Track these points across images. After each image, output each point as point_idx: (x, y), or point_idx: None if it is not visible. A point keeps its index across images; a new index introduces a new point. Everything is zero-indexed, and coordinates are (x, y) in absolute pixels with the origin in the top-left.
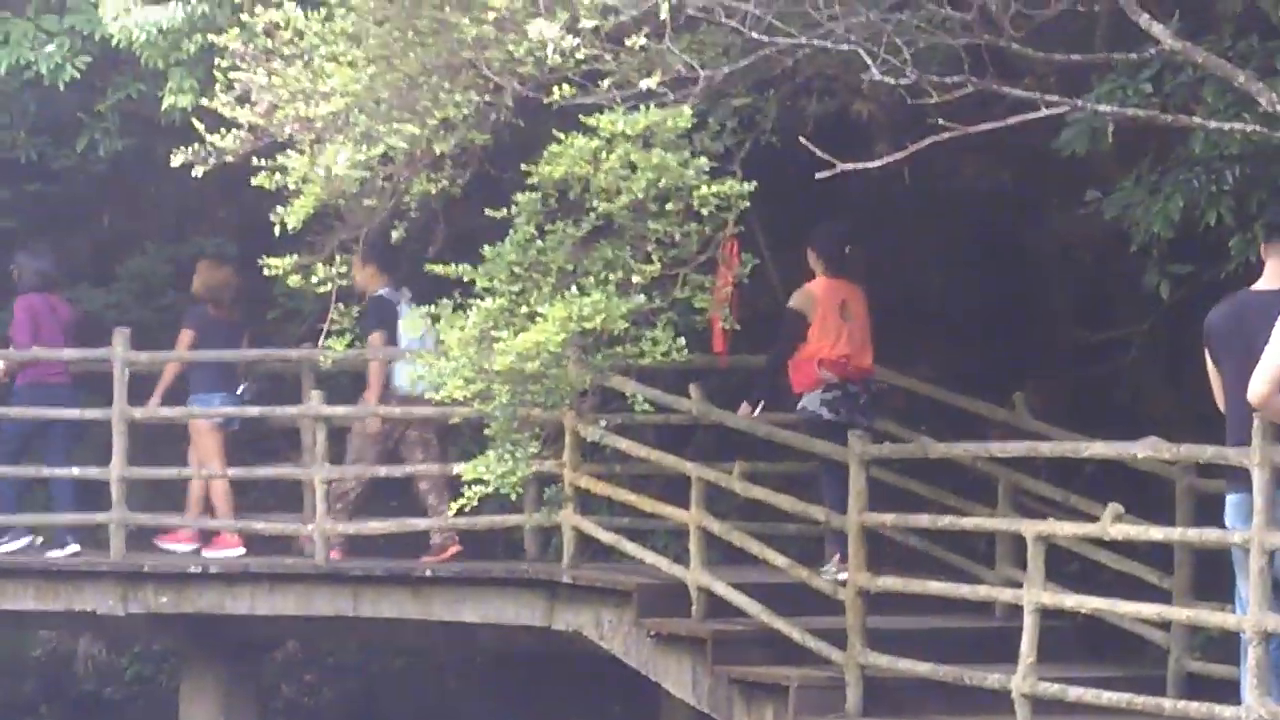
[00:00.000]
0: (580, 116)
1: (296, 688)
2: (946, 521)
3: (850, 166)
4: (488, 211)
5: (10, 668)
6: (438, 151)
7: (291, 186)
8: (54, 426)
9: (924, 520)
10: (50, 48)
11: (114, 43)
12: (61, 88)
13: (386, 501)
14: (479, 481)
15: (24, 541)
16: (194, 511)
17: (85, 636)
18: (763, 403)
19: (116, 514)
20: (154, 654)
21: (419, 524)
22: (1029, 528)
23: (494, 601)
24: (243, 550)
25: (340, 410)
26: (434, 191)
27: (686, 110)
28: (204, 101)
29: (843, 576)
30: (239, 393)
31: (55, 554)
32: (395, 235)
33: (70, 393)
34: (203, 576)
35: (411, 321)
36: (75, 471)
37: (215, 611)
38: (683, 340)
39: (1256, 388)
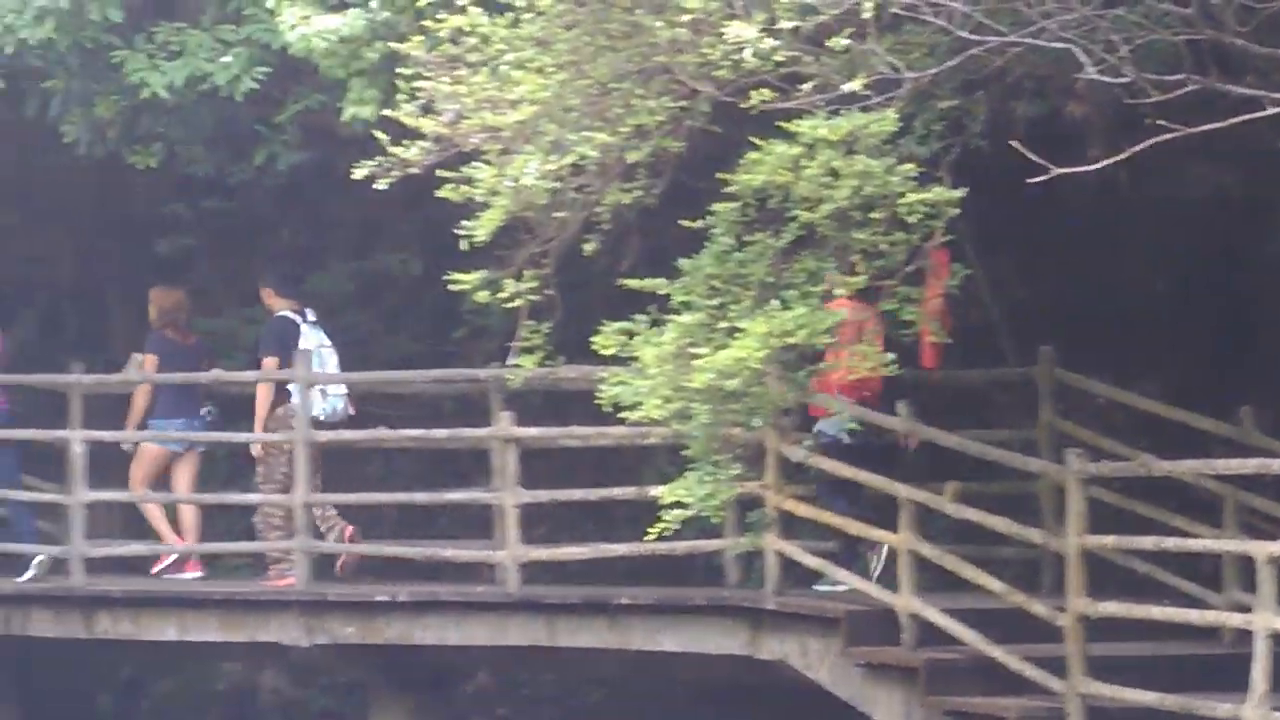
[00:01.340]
0: (779, 122)
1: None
2: (1172, 544)
3: (1064, 171)
4: (683, 223)
5: (193, 701)
6: (630, 160)
7: (479, 199)
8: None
9: (1148, 543)
10: (227, 59)
11: (293, 53)
12: (239, 100)
13: (582, 525)
14: (678, 505)
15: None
16: (192, 536)
17: (269, 669)
18: None
19: (301, 542)
20: (340, 686)
21: (616, 549)
22: (1260, 549)
23: (694, 630)
24: (200, 574)
25: (532, 431)
26: (627, 202)
27: (891, 114)
28: (386, 112)
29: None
30: (202, 414)
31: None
32: (588, 248)
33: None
34: (390, 605)
35: (308, 343)
36: (255, 498)
37: (403, 642)
38: (891, 355)
39: None
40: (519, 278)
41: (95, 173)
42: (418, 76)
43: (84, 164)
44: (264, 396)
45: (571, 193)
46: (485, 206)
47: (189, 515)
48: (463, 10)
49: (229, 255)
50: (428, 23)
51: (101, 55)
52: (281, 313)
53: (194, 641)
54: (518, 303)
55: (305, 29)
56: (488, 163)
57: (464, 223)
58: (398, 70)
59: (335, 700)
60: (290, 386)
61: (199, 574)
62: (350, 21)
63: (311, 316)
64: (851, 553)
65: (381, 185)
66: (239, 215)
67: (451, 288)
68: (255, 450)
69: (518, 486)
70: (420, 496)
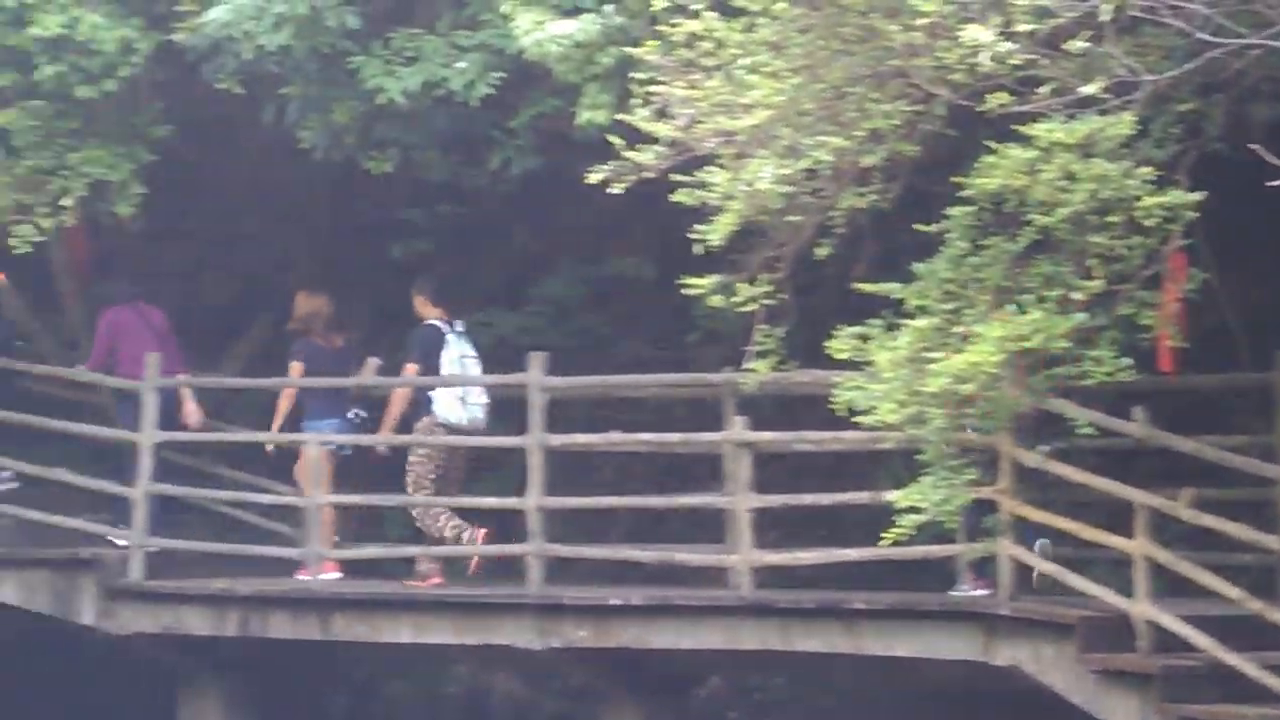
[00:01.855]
0: (1015, 125)
1: None
2: None
3: None
4: (918, 227)
5: (427, 704)
6: (865, 164)
7: (713, 203)
8: None
9: None
10: (462, 64)
11: (527, 58)
12: (473, 105)
13: (815, 531)
14: (913, 510)
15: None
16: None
17: (502, 672)
18: None
19: (534, 545)
20: (572, 689)
21: (849, 554)
22: None
23: (927, 635)
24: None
25: (766, 436)
26: (861, 206)
27: (1128, 117)
28: (620, 116)
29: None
30: (349, 416)
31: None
32: (821, 252)
33: None
34: (624, 609)
35: (451, 353)
36: (492, 501)
37: (636, 646)
38: (1127, 360)
39: None
40: (753, 282)
41: (331, 178)
42: (652, 81)
43: (320, 170)
44: (399, 400)
45: (805, 197)
46: (719, 211)
47: (326, 514)
48: (697, 15)
49: (462, 260)
50: (662, 27)
51: (338, 61)
52: (431, 321)
53: (428, 644)
54: (751, 307)
55: (540, 34)
56: (722, 167)
57: (697, 227)
58: (632, 75)
59: (567, 704)
60: (431, 395)
61: (338, 575)
62: (585, 26)
63: (460, 327)
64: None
65: (616, 189)
66: (472, 220)
67: (685, 292)
68: (382, 450)
69: (751, 491)
70: (653, 500)
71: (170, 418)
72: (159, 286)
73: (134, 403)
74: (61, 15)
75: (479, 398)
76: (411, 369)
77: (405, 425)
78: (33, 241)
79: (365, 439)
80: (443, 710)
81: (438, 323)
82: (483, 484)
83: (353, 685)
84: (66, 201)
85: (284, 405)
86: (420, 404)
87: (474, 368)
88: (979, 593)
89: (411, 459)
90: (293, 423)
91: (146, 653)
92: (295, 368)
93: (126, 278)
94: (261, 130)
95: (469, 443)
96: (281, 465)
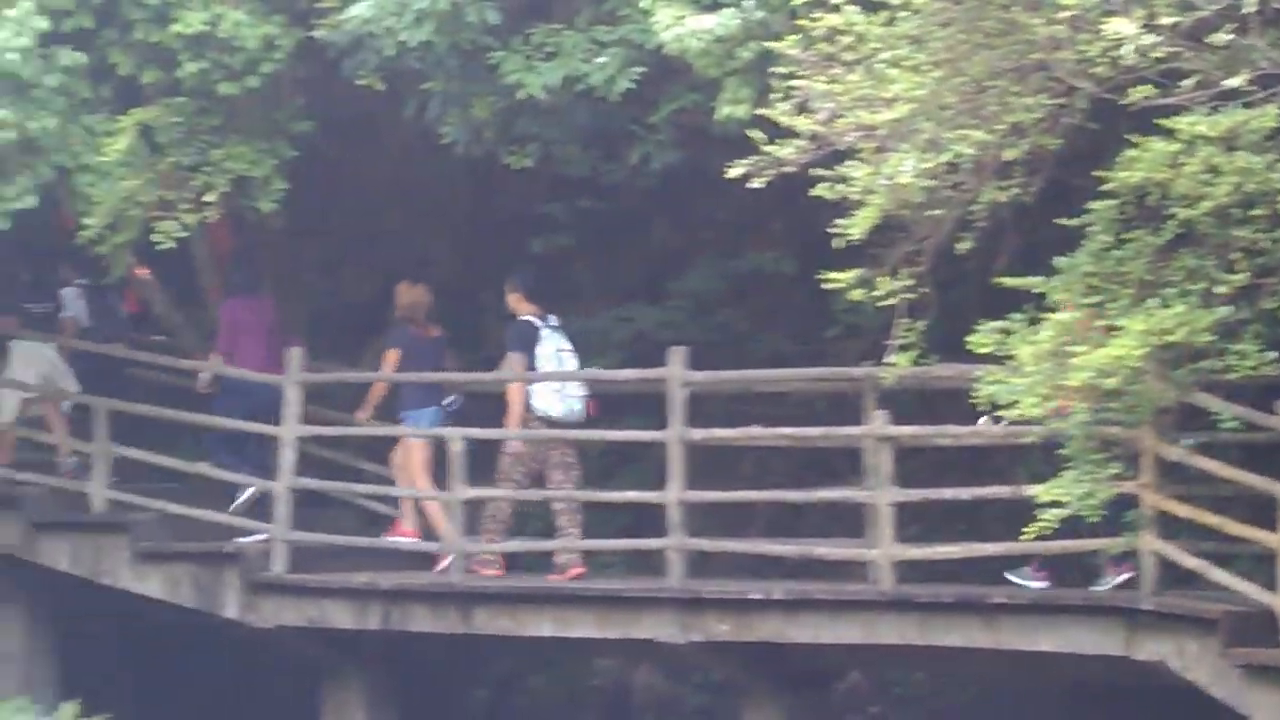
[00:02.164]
0: (1157, 119)
1: (860, 719)
2: None
3: None
4: (1059, 221)
5: (569, 697)
6: (1006, 158)
7: (853, 197)
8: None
9: None
10: (602, 59)
11: (667, 52)
12: (613, 100)
13: (955, 525)
14: (1055, 504)
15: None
16: (408, 517)
17: (644, 665)
18: None
19: (675, 540)
20: (713, 683)
21: (990, 548)
22: None
23: (1069, 630)
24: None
25: (907, 430)
26: (1003, 200)
27: (1272, 110)
28: (760, 111)
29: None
30: (445, 404)
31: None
32: (962, 246)
33: None
34: (764, 603)
35: (546, 348)
36: (633, 495)
37: (777, 640)
38: (1271, 353)
39: None
40: (894, 276)
41: (471, 173)
42: (792, 75)
43: (461, 165)
44: (517, 394)
45: (946, 191)
46: (859, 205)
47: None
48: (837, 9)
49: (602, 254)
50: (802, 21)
51: (479, 57)
52: (525, 316)
53: (569, 638)
54: (892, 301)
55: (680, 29)
56: (863, 161)
57: (837, 221)
58: (772, 69)
59: (709, 697)
60: (529, 389)
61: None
62: (724, 21)
63: (554, 321)
64: None
65: (756, 184)
66: (612, 215)
67: (825, 286)
68: (514, 445)
69: (892, 485)
70: (794, 495)
71: (273, 410)
72: (299, 282)
73: (238, 393)
74: (204, 13)
75: (576, 390)
76: (516, 360)
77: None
78: (176, 237)
79: (496, 433)
80: (584, 704)
81: (532, 318)
82: (622, 478)
83: (494, 679)
84: (209, 197)
85: (376, 394)
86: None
87: (570, 361)
88: (1123, 577)
89: (503, 454)
90: (389, 411)
91: (290, 646)
92: (392, 355)
93: (247, 268)
94: (402, 126)
95: (610, 436)
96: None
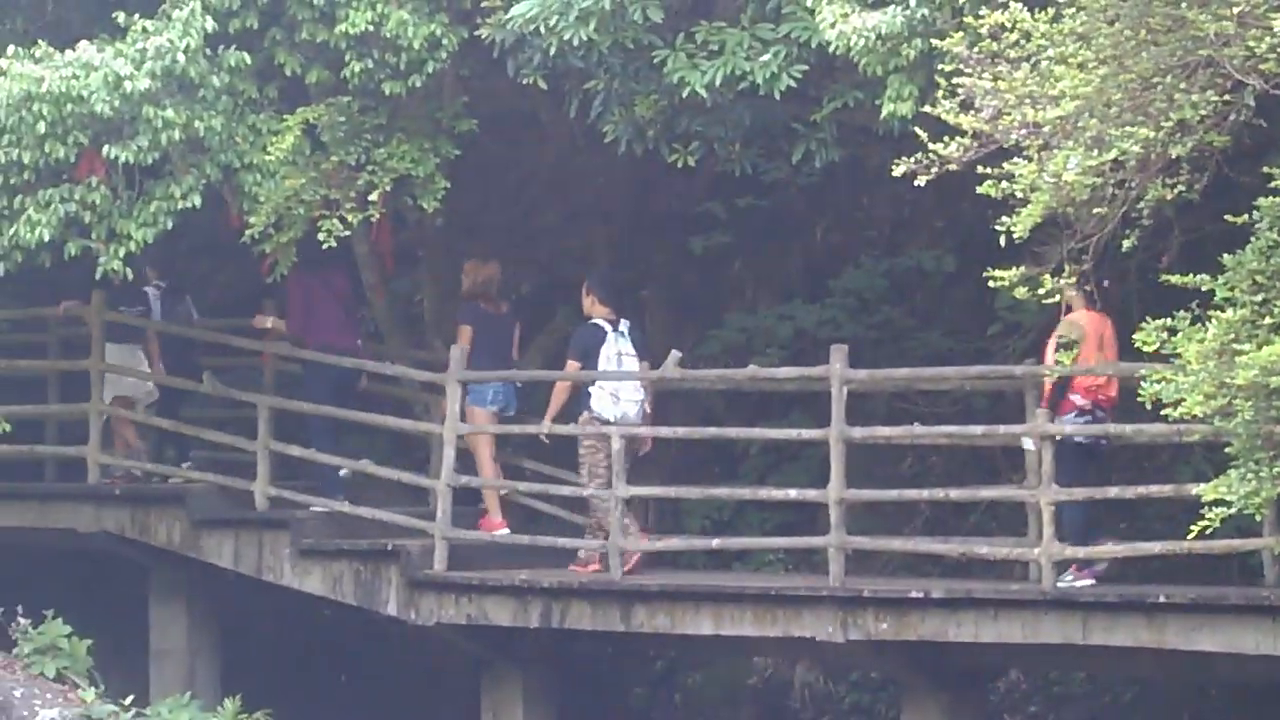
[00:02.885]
0: None
1: (1020, 718)
2: None
3: None
4: (1227, 218)
5: (727, 695)
6: (1173, 155)
7: (1018, 195)
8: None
9: None
10: (765, 57)
11: (831, 50)
12: (776, 98)
13: (1116, 523)
14: (1220, 503)
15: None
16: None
17: (802, 663)
18: None
19: (835, 538)
20: (872, 682)
21: (1152, 547)
22: None
23: (1232, 630)
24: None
25: (1067, 429)
26: (1169, 197)
27: None
28: (924, 108)
29: (1080, 584)
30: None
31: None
32: (1126, 244)
33: None
34: (924, 602)
35: (609, 350)
36: (793, 494)
37: (936, 639)
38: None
39: None
40: (1058, 274)
41: (633, 171)
42: (957, 73)
43: (622, 162)
44: (560, 394)
45: (1111, 188)
46: (1025, 202)
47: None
48: (1003, 6)
49: (762, 253)
50: (967, 19)
51: (642, 55)
52: (595, 320)
53: (728, 635)
54: (1055, 299)
55: (844, 26)
56: (1027, 159)
57: (1000, 219)
58: (937, 67)
59: (868, 696)
60: (589, 390)
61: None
62: (889, 19)
63: (623, 327)
64: None
65: (919, 182)
66: (773, 212)
67: (986, 284)
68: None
69: (1053, 484)
70: (954, 493)
71: (348, 393)
72: (458, 278)
73: (323, 374)
74: (369, 12)
75: (633, 395)
76: (573, 365)
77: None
78: (337, 235)
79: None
80: (742, 702)
81: (601, 321)
82: (782, 475)
83: (652, 677)
84: (373, 196)
85: (559, 398)
86: (580, 400)
87: (630, 364)
88: (1081, 583)
89: (581, 450)
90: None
91: (449, 643)
92: (465, 331)
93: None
94: (564, 123)
95: (770, 435)
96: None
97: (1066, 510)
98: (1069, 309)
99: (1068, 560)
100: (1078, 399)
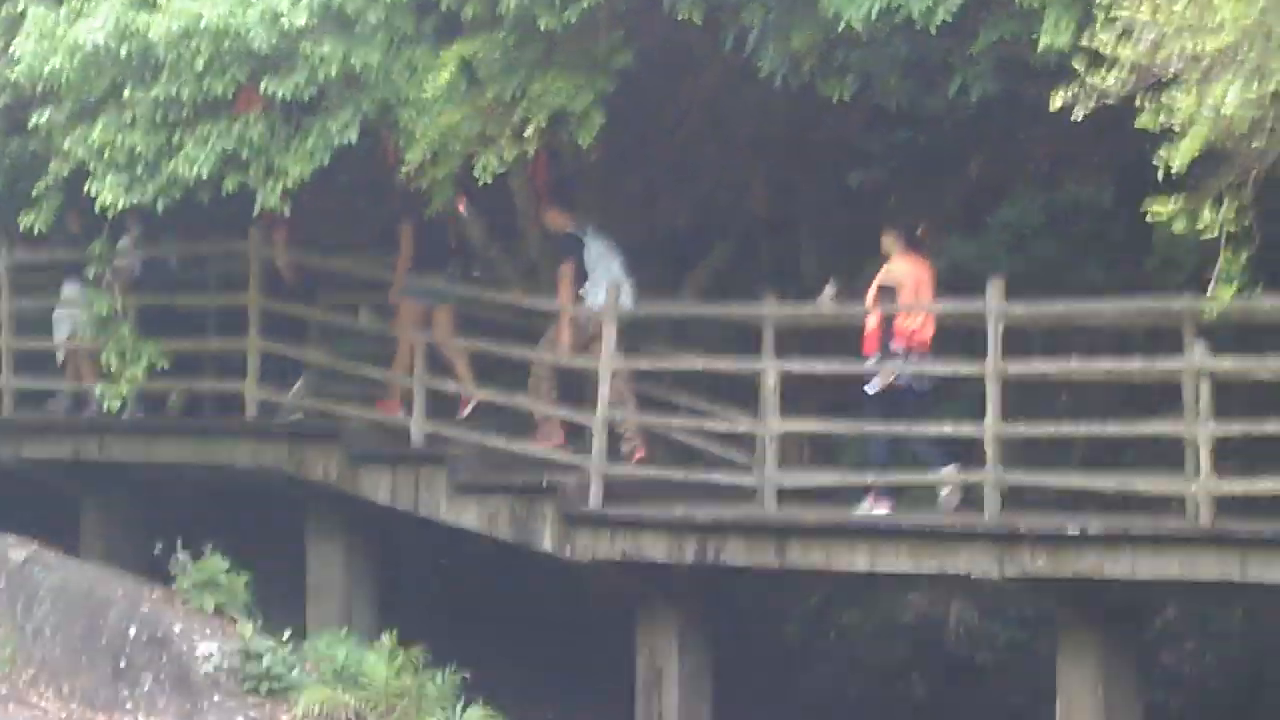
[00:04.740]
0: None
1: (1176, 655)
2: None
3: None
4: None
5: (881, 631)
6: None
7: (1176, 127)
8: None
9: None
10: None
11: None
12: (932, 31)
13: (1275, 460)
14: None
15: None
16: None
17: (957, 600)
18: None
19: (991, 474)
20: (1028, 619)
21: None
22: None
23: None
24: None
25: (1227, 364)
26: None
27: None
28: (1082, 41)
29: (878, 511)
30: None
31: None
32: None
33: None
34: (1080, 539)
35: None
36: (949, 429)
37: (1093, 575)
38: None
39: None
40: (1217, 207)
41: (788, 105)
42: (1114, 4)
43: (778, 96)
44: (567, 290)
45: (1272, 120)
46: (1183, 135)
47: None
48: None
49: (919, 186)
50: None
51: None
52: (568, 229)
53: (882, 572)
54: (1214, 233)
55: None
56: (1186, 90)
57: (1159, 152)
58: None
59: (1023, 633)
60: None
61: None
62: None
63: (590, 228)
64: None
65: (1077, 115)
66: (929, 146)
67: (1144, 218)
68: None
69: (1210, 420)
70: (1111, 428)
71: None
72: (616, 214)
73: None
74: None
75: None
76: (568, 269)
77: None
78: (493, 171)
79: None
80: (897, 638)
81: (573, 229)
82: (938, 411)
83: (806, 613)
84: (528, 131)
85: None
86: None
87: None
88: (878, 511)
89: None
90: None
91: (604, 579)
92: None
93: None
94: (719, 58)
95: (927, 370)
96: (737, 394)
97: (872, 443)
98: (888, 257)
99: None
100: (895, 345)
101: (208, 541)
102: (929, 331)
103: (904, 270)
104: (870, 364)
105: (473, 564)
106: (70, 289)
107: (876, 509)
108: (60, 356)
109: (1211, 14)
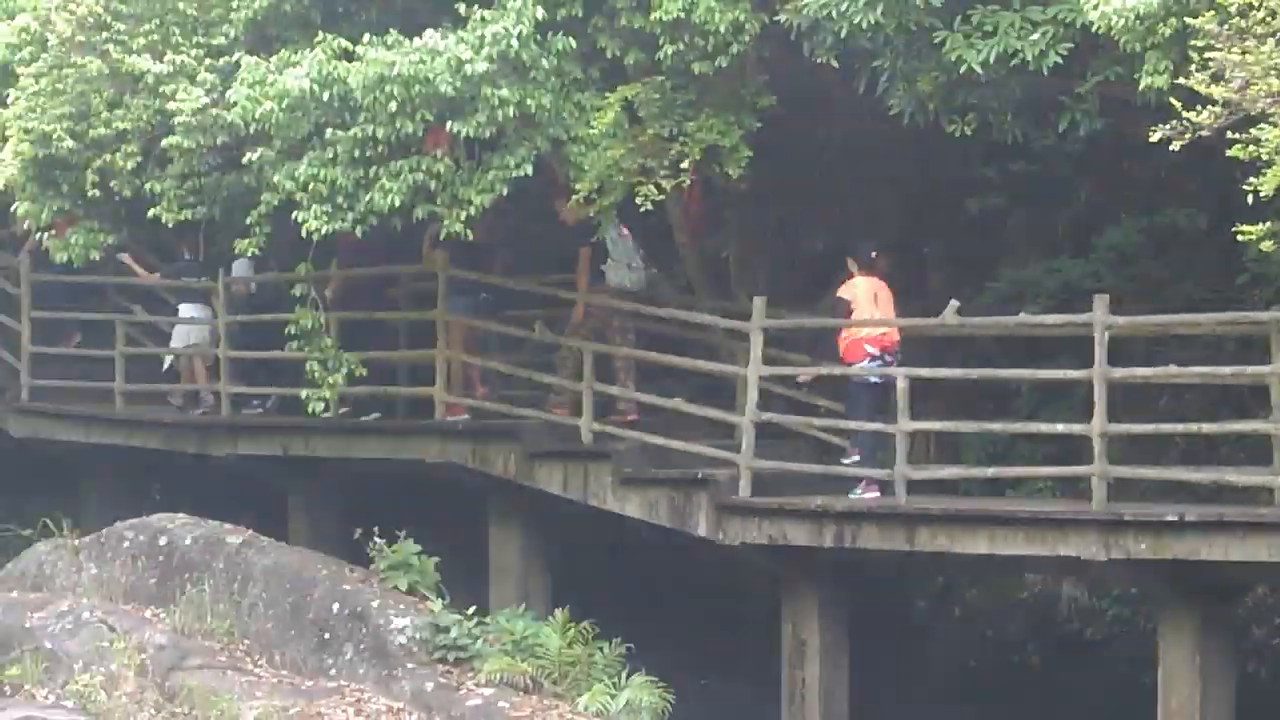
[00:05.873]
0: None
1: (1267, 630)
2: None
3: None
4: None
5: (1000, 608)
6: None
7: (1264, 157)
8: None
9: None
10: (1035, 36)
11: (1094, 29)
12: (1044, 73)
13: None
14: None
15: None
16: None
17: (1068, 580)
18: None
19: (1098, 467)
20: (1131, 597)
21: None
22: None
23: None
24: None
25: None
26: None
27: None
28: (1178, 81)
29: (868, 496)
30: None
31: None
32: None
33: None
34: (1180, 524)
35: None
36: (1060, 428)
37: (1190, 558)
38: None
39: None
40: None
41: (915, 141)
42: (1208, 48)
43: (905, 133)
44: (584, 264)
45: None
46: (1268, 164)
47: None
48: None
49: (1032, 212)
50: None
51: (923, 36)
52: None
53: (1001, 555)
54: None
55: (1105, 7)
56: (1273, 124)
57: (1249, 179)
58: (1189, 42)
59: (1127, 610)
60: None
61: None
62: (1146, 0)
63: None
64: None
65: (1175, 146)
66: (1041, 177)
67: (1236, 239)
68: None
69: None
70: (1206, 427)
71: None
72: (761, 239)
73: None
74: (680, 0)
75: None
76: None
77: None
78: (653, 200)
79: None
80: (1014, 614)
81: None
82: (1050, 411)
83: (933, 591)
84: (684, 164)
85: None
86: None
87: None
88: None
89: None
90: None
91: (753, 562)
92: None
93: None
94: (853, 98)
95: (1040, 376)
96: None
97: (860, 435)
98: (850, 275)
99: None
100: (869, 347)
101: (401, 528)
102: (894, 337)
103: (862, 287)
104: (869, 365)
105: (635, 548)
106: (186, 308)
107: (867, 494)
108: (166, 363)
109: None
